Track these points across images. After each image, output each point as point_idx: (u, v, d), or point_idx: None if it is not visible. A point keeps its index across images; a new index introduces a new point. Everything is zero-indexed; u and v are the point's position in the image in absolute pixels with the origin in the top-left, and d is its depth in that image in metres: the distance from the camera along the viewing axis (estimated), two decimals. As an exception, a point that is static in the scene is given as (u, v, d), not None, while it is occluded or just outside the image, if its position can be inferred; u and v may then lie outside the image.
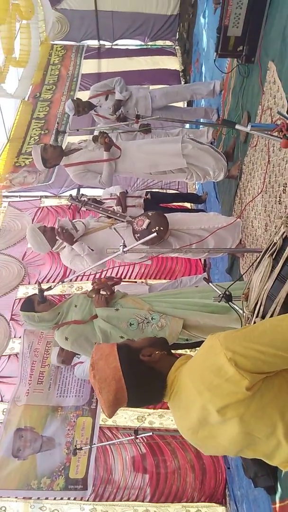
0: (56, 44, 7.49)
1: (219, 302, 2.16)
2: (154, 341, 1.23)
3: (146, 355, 1.13)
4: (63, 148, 3.56)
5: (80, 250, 3.05)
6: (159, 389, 1.10)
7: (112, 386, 1.07)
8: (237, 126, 1.57)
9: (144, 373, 1.10)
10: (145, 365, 1.11)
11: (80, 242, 3.08)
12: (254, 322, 1.51)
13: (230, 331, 1.02)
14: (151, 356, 1.12)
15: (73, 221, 3.37)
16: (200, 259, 4.79)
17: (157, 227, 2.91)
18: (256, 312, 1.59)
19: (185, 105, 5.65)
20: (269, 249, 1.56)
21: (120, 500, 3.80)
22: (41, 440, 3.86)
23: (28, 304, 2.57)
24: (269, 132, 1.38)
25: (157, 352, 1.14)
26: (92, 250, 3.09)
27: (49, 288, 2.66)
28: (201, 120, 4.90)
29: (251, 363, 0.93)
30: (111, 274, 4.88)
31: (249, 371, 0.92)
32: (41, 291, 2.57)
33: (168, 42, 7.89)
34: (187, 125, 5.31)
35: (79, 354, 3.82)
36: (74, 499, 3.69)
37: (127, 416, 4.19)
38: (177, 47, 7.66)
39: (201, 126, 4.79)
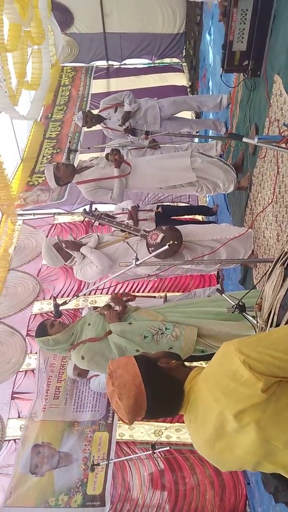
0: (66, 66, 7.75)
1: (232, 313, 2.17)
2: (168, 353, 1.26)
3: (164, 363, 1.15)
4: (75, 166, 3.65)
5: (87, 252, 3.10)
6: (177, 398, 1.11)
7: (132, 391, 1.09)
8: (244, 139, 1.61)
9: (163, 379, 1.12)
10: (164, 372, 1.13)
11: (86, 246, 3.15)
12: (269, 331, 1.52)
13: (245, 337, 1.04)
14: (168, 364, 1.15)
15: (86, 234, 3.46)
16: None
17: (171, 241, 2.95)
18: (270, 321, 1.60)
19: (194, 117, 5.75)
20: (281, 258, 1.57)
21: (139, 517, 3.74)
22: (58, 456, 3.84)
23: (42, 330, 2.60)
24: (276, 144, 1.41)
25: (173, 361, 1.16)
26: None
27: (64, 303, 2.71)
28: (210, 133, 4.97)
29: (265, 367, 0.94)
30: (125, 289, 4.91)
31: (264, 374, 0.94)
32: (57, 306, 2.61)
33: (175, 60, 8.07)
34: (196, 140, 5.39)
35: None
36: (92, 516, 3.66)
37: (143, 431, 4.15)
38: (184, 63, 7.82)
39: (209, 139, 4.86)
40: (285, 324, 1.47)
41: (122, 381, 1.11)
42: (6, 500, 3.69)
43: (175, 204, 5.85)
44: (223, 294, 2.31)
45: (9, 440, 4.19)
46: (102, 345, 2.45)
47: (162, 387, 1.11)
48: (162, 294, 4.98)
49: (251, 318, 2.07)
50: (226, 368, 0.98)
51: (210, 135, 4.97)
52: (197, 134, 5.19)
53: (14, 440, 4.16)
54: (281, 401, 0.96)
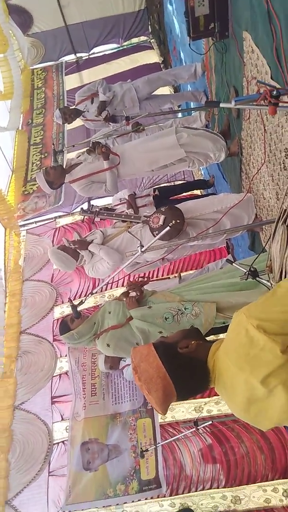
0: (36, 68, 7.65)
1: (246, 280, 2.17)
2: (187, 332, 1.26)
3: (184, 347, 1.16)
4: (64, 166, 3.64)
5: (96, 249, 3.12)
6: (204, 377, 1.13)
7: (159, 384, 1.11)
8: (221, 105, 1.57)
9: (186, 364, 1.13)
10: (185, 357, 1.14)
11: (94, 243, 3.16)
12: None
13: (252, 303, 1.05)
14: (188, 347, 1.16)
15: (90, 232, 3.48)
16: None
17: (173, 221, 2.94)
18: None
19: (172, 92, 5.63)
20: (281, 217, 1.56)
21: (196, 491, 3.84)
22: (107, 449, 3.95)
23: (64, 326, 2.65)
24: (254, 103, 1.38)
25: (193, 342, 1.17)
26: None
27: (81, 303, 2.74)
28: (192, 105, 4.88)
29: (278, 326, 0.95)
30: (139, 277, 4.93)
31: (279, 334, 0.94)
32: (74, 307, 2.64)
33: (142, 38, 7.89)
34: (179, 114, 5.29)
35: (125, 358, 3.89)
36: (151, 498, 3.77)
37: (184, 410, 4.22)
38: (152, 40, 7.64)
39: (193, 112, 4.77)
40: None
41: (148, 375, 1.12)
42: (67, 498, 3.83)
43: (171, 183, 5.80)
44: (234, 263, 2.31)
45: (58, 443, 4.32)
46: (125, 330, 2.49)
47: (186, 372, 1.13)
48: (176, 275, 5.01)
49: (265, 282, 2.06)
50: (243, 337, 0.99)
51: (192, 107, 4.88)
52: (179, 108, 5.10)
53: (63, 442, 4.29)
54: None
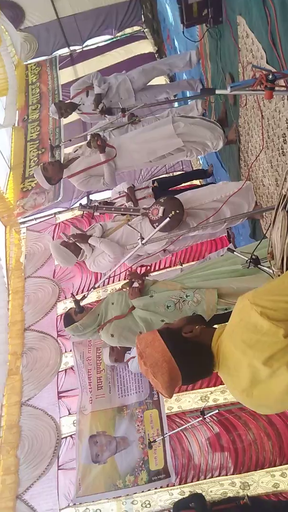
0: (30, 64, 7.57)
1: (248, 268, 2.16)
2: (190, 318, 1.28)
3: (188, 332, 1.17)
4: (62, 161, 3.62)
5: (96, 242, 3.12)
6: (208, 361, 1.14)
7: (164, 368, 1.12)
8: (216, 91, 1.55)
9: (190, 348, 1.15)
10: (189, 341, 1.16)
11: (94, 236, 3.16)
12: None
13: (257, 288, 1.05)
14: (192, 332, 1.17)
15: (90, 226, 3.47)
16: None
17: (173, 212, 2.92)
18: (285, 268, 1.59)
19: (168, 82, 5.57)
20: (281, 203, 1.54)
21: (205, 479, 3.88)
22: (115, 441, 3.98)
23: (68, 319, 2.67)
24: (250, 88, 1.36)
25: (197, 327, 1.18)
26: None
27: (84, 297, 2.74)
28: (188, 94, 4.83)
29: (282, 314, 0.96)
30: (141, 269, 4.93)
31: (282, 320, 0.95)
32: (77, 301, 2.65)
33: (136, 28, 7.78)
34: (176, 104, 5.25)
35: (130, 350, 3.91)
36: (161, 487, 3.81)
37: (190, 399, 4.24)
38: (146, 29, 7.54)
39: (189, 101, 4.72)
40: (299, 266, 1.46)
41: (153, 360, 1.14)
42: (77, 491, 3.88)
43: (170, 174, 5.77)
44: (234, 252, 2.30)
45: (66, 437, 4.36)
46: (128, 320, 2.51)
47: (191, 356, 1.14)
48: (179, 267, 5.00)
49: (266, 269, 2.05)
50: (246, 322, 1.00)
51: (188, 96, 4.83)
52: (175, 98, 5.05)
53: (71, 436, 4.32)
54: None
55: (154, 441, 3.73)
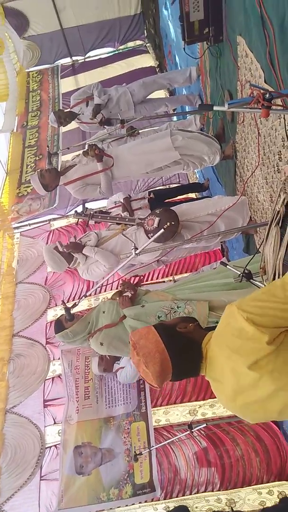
0: (32, 71, 7.64)
1: (240, 282, 2.17)
2: (185, 317, 1.32)
3: (183, 328, 1.21)
4: (59, 168, 3.64)
5: (91, 252, 3.12)
6: (197, 359, 1.17)
7: (157, 358, 1.15)
8: (214, 108, 1.59)
9: (183, 342, 1.18)
10: (183, 336, 1.19)
11: (88, 246, 3.16)
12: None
13: (246, 296, 1.07)
14: (186, 328, 1.21)
15: (84, 234, 3.47)
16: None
17: (168, 223, 2.95)
18: (276, 282, 1.60)
19: (168, 96, 5.66)
20: (274, 218, 1.57)
21: (190, 494, 3.83)
22: (101, 452, 3.92)
23: (58, 325, 2.66)
24: (247, 106, 1.39)
25: (191, 324, 1.22)
26: None
27: (74, 305, 2.73)
28: (187, 108, 4.90)
29: (268, 320, 0.97)
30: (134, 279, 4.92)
31: (267, 327, 0.97)
32: (67, 309, 2.64)
33: (138, 42, 7.93)
34: (174, 118, 5.32)
35: (119, 360, 3.88)
36: (145, 501, 3.74)
37: (178, 413, 4.20)
38: (148, 44, 7.69)
39: (188, 115, 4.79)
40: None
41: (146, 350, 1.16)
42: (59, 503, 3.79)
43: (166, 186, 5.82)
44: (227, 266, 2.32)
45: (50, 447, 4.28)
46: (118, 329, 2.51)
47: (183, 350, 1.17)
48: (171, 278, 5.01)
49: (259, 284, 2.07)
50: (232, 327, 1.02)
51: (186, 111, 4.91)
52: (174, 112, 5.12)
53: (55, 446, 4.25)
54: None
55: (140, 453, 3.68)
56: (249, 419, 1.17)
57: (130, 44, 7.94)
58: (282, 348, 0.98)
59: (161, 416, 4.21)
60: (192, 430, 3.40)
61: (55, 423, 4.40)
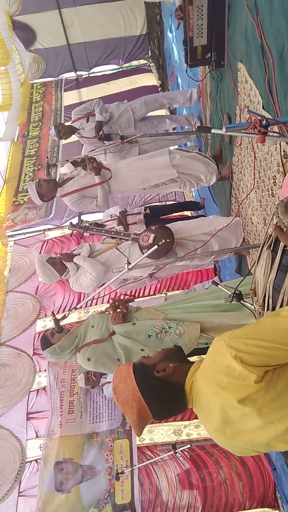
0: (36, 83, 7.76)
1: (230, 302, 2.18)
2: (168, 353, 1.26)
3: (161, 371, 1.17)
4: (57, 179, 3.66)
5: (80, 261, 3.12)
6: (180, 400, 1.14)
7: (134, 407, 1.12)
8: (212, 130, 1.62)
9: (161, 388, 1.14)
10: (161, 381, 1.15)
11: (79, 255, 3.17)
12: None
13: (234, 330, 1.06)
14: (165, 370, 1.16)
15: (78, 246, 3.48)
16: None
17: (163, 240, 2.96)
18: (266, 305, 1.61)
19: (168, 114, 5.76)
20: (266, 241, 1.58)
21: (171, 519, 3.74)
22: (82, 469, 3.83)
23: (45, 341, 2.61)
24: (244, 131, 1.42)
25: (170, 365, 1.17)
26: None
27: (64, 317, 2.71)
28: (186, 128, 4.99)
29: (256, 359, 0.96)
30: (125, 294, 4.91)
31: (256, 365, 0.96)
32: (57, 321, 2.61)
33: (142, 61, 8.11)
34: (176, 146, 5.40)
35: (105, 375, 3.83)
36: (124, 524, 3.65)
37: (163, 432, 4.15)
38: (152, 64, 7.87)
39: (188, 143, 4.89)
40: (280, 306, 1.49)
41: (124, 397, 1.14)
42: (36, 522, 3.68)
43: (163, 203, 5.86)
44: (219, 285, 2.32)
45: (30, 461, 4.18)
46: (107, 345, 2.47)
47: (161, 395, 1.13)
48: (163, 295, 5.01)
49: (249, 305, 2.07)
50: (220, 363, 1.00)
51: (185, 130, 4.99)
52: (174, 131, 5.21)
53: (36, 460, 4.15)
54: (278, 386, 0.97)
55: (122, 472, 3.60)
56: (236, 451, 1.15)
57: (134, 62, 8.12)
58: (270, 385, 0.97)
59: (145, 434, 4.15)
60: (176, 451, 3.35)
61: (37, 436, 4.31)
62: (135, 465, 3.71)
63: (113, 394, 1.20)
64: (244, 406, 0.97)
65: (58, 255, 3.21)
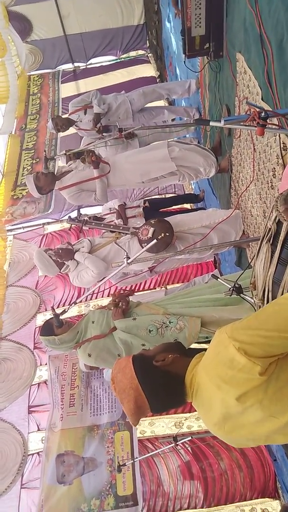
0: (33, 75, 7.68)
1: (230, 296, 2.17)
2: (167, 346, 1.27)
3: (160, 360, 1.16)
4: (55, 172, 3.63)
5: (81, 258, 3.11)
6: (179, 391, 1.13)
7: (131, 395, 1.12)
8: (211, 123, 1.60)
9: (159, 377, 1.14)
10: (159, 370, 1.15)
11: (80, 252, 3.15)
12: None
13: (236, 322, 1.05)
14: (164, 360, 1.16)
15: (77, 240, 3.46)
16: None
17: (162, 234, 2.95)
18: (265, 299, 1.61)
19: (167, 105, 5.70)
20: (265, 235, 1.57)
21: (173, 511, 3.77)
22: (83, 462, 3.87)
23: (47, 329, 2.60)
24: (243, 123, 1.40)
25: (170, 356, 1.17)
26: None
27: (64, 312, 2.70)
28: (185, 119, 4.94)
29: (260, 349, 0.95)
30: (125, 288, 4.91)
31: (260, 357, 0.95)
32: (56, 315, 2.61)
33: (140, 52, 8.00)
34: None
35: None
36: (126, 515, 3.69)
37: (164, 425, 4.17)
38: (150, 54, 7.77)
39: (187, 134, 4.83)
40: (280, 299, 1.48)
41: (122, 386, 1.14)
42: (39, 513, 3.72)
43: (162, 196, 5.83)
44: (218, 279, 2.32)
45: (32, 454, 4.21)
46: (107, 341, 2.47)
47: (159, 385, 1.13)
48: (163, 288, 5.00)
49: (249, 299, 2.07)
50: (223, 356, 0.99)
51: (184, 122, 4.94)
52: (173, 122, 5.15)
53: (38, 453, 4.19)
54: (280, 378, 0.97)
55: (124, 464, 3.64)
56: (235, 444, 1.15)
57: (132, 53, 8.01)
58: (272, 378, 0.96)
59: (147, 427, 4.18)
60: (177, 443, 3.37)
61: (38, 429, 4.34)
62: (137, 457, 3.74)
63: (111, 384, 1.19)
64: (246, 400, 0.97)
65: (59, 250, 3.19)
